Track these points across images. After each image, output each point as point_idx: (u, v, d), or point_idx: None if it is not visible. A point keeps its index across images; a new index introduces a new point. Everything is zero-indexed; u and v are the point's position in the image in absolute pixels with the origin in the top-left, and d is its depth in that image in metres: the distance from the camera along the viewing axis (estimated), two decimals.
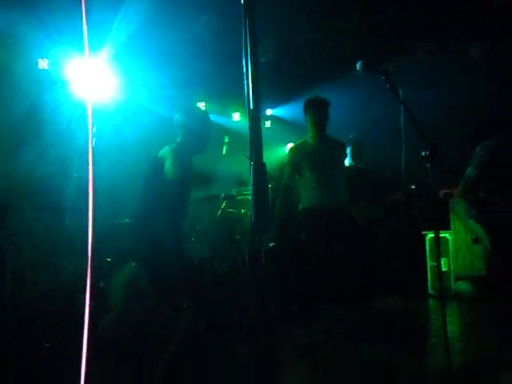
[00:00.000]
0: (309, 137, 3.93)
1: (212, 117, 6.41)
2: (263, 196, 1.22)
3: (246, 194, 4.92)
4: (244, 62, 1.22)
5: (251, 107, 1.22)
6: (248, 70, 1.22)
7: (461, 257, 5.59)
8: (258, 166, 1.20)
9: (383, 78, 2.61)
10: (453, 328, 3.86)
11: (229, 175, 4.20)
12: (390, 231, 5.15)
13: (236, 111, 6.75)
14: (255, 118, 1.19)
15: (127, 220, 3.98)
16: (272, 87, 6.56)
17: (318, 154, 3.79)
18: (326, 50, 5.42)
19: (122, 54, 4.39)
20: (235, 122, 6.71)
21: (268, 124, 7.09)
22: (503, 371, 2.57)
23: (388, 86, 2.62)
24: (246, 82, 1.22)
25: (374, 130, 4.02)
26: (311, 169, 3.78)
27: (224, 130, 5.82)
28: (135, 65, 4.84)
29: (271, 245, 3.24)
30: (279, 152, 7.11)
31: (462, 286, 5.44)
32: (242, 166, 4.75)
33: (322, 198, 3.73)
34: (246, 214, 4.77)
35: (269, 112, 7.10)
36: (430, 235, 5.51)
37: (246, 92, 1.22)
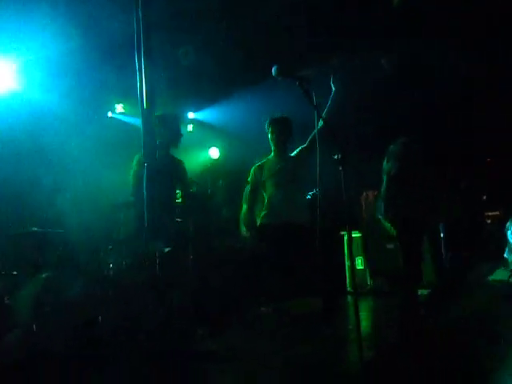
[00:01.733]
0: (271, 155, 3.98)
1: (129, 118, 6.26)
2: (155, 199, 1.19)
3: None
4: (137, 59, 1.18)
5: (144, 106, 1.19)
6: (141, 66, 1.18)
7: (377, 253, 5.93)
8: (151, 168, 1.17)
9: (297, 83, 2.69)
10: (366, 322, 4.07)
11: None
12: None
13: (156, 113, 6.62)
14: (148, 119, 1.16)
15: (35, 228, 3.72)
16: (194, 90, 6.52)
17: (278, 171, 3.84)
18: (247, 55, 5.49)
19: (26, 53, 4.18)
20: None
21: (190, 128, 7.01)
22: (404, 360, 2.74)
23: (302, 91, 2.71)
24: (138, 78, 1.19)
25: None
26: (271, 185, 3.85)
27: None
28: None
29: (167, 250, 3.20)
30: (201, 156, 7.07)
31: (377, 282, 5.77)
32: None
33: (280, 214, 3.79)
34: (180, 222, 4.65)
35: (191, 115, 7.03)
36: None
37: (138, 90, 1.18)
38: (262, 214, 3.91)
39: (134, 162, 3.70)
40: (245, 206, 4.42)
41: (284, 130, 3.90)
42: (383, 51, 4.95)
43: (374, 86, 4.85)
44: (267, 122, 3.95)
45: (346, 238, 5.89)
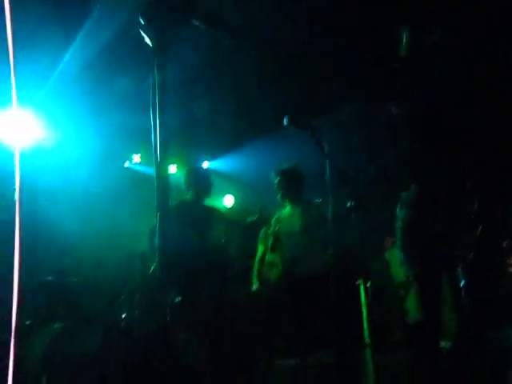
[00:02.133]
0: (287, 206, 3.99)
1: (146, 168, 6.40)
2: (169, 246, 1.20)
3: None
4: (151, 113, 1.23)
5: (158, 158, 1.23)
6: (156, 120, 1.23)
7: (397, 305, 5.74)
8: (165, 216, 1.19)
9: (309, 133, 2.74)
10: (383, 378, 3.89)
11: None
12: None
13: (173, 163, 6.75)
14: (162, 168, 1.20)
15: (50, 277, 3.74)
16: (208, 141, 6.68)
17: (289, 222, 3.84)
18: (260, 104, 5.64)
19: (53, 104, 4.35)
20: (171, 174, 6.69)
21: None
22: None
23: (314, 140, 2.75)
24: (153, 132, 1.23)
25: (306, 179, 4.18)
26: (284, 237, 3.85)
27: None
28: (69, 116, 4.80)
29: (178, 299, 3.17)
30: (217, 203, 7.13)
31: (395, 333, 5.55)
32: None
33: (291, 265, 3.76)
34: None
35: (206, 165, 7.15)
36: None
37: (153, 143, 1.22)
38: (278, 264, 3.87)
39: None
40: (261, 248, 4.34)
41: (290, 181, 3.90)
42: (394, 101, 5.02)
43: (383, 135, 4.90)
44: (275, 173, 3.95)
45: (362, 287, 5.76)
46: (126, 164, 6.38)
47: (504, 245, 5.63)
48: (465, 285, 5.01)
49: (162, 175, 1.17)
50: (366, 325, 5.70)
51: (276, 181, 3.92)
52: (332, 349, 3.64)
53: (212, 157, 7.10)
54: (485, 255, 4.87)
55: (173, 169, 6.73)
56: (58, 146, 5.07)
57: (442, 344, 3.99)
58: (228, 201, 7.22)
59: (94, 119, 5.15)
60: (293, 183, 3.90)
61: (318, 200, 3.95)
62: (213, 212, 4.07)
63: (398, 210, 3.84)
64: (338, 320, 3.58)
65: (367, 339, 5.52)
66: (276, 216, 3.99)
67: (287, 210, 3.95)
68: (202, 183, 3.98)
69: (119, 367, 3.01)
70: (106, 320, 3.62)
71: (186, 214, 3.73)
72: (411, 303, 5.50)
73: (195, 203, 3.87)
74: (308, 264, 3.70)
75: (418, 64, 4.52)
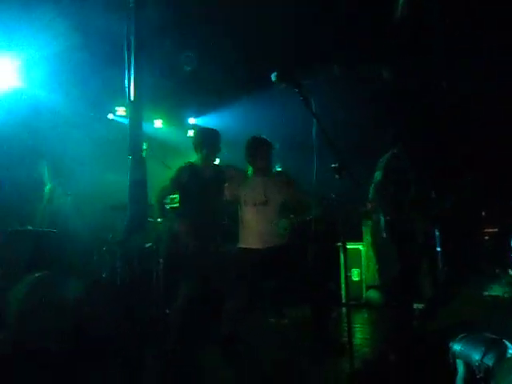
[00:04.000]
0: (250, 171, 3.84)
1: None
2: (139, 194, 1.18)
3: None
4: (126, 56, 1.18)
5: (131, 99, 1.18)
6: (130, 63, 1.18)
7: (372, 267, 5.88)
8: (137, 163, 1.16)
9: (296, 90, 2.69)
10: (359, 334, 4.04)
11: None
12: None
13: (158, 118, 6.63)
14: (136, 113, 1.16)
15: (30, 227, 3.70)
16: (196, 96, 6.55)
17: (252, 189, 3.69)
18: (249, 62, 5.52)
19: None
20: (156, 128, 6.58)
21: (191, 133, 7.02)
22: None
23: (301, 98, 2.70)
24: (126, 75, 1.19)
25: (290, 141, 4.13)
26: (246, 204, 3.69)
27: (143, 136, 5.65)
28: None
29: (148, 245, 3.15)
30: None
31: (372, 295, 5.72)
32: (161, 174, 4.67)
33: (253, 237, 3.65)
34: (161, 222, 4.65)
35: (192, 121, 7.04)
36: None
37: (126, 85, 1.18)
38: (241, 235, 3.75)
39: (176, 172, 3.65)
40: None
41: (267, 152, 3.77)
42: (385, 63, 4.97)
43: (372, 97, 4.87)
44: (247, 143, 3.80)
45: (341, 249, 5.86)
46: (110, 116, 6.23)
47: (483, 214, 5.75)
48: (441, 251, 5.16)
49: (134, 123, 1.14)
50: (343, 285, 5.89)
51: (245, 150, 3.83)
52: (308, 306, 3.73)
53: (198, 113, 6.99)
54: (461, 223, 4.99)
55: (158, 123, 6.62)
56: (40, 94, 4.93)
57: (416, 306, 4.16)
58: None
59: (79, 68, 4.98)
60: (259, 153, 3.79)
61: (278, 167, 3.92)
62: (223, 173, 3.85)
63: (375, 173, 3.90)
64: (315, 280, 3.67)
65: (344, 298, 5.72)
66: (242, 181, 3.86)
67: (250, 178, 3.83)
68: (209, 143, 3.70)
69: (100, 316, 3.05)
70: (87, 270, 3.63)
71: (195, 177, 3.61)
72: (386, 265, 5.65)
73: (204, 165, 3.67)
74: (269, 236, 3.67)
75: (413, 25, 4.44)
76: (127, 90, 1.03)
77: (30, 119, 4.66)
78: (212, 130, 3.91)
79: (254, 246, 3.62)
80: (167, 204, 4.36)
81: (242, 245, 3.68)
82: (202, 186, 3.61)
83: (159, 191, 3.68)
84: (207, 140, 3.73)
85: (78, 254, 3.94)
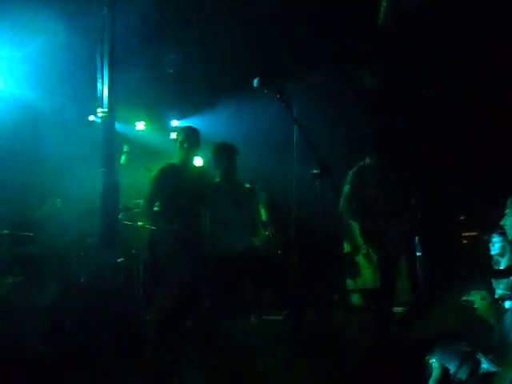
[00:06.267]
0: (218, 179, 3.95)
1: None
2: (112, 208, 1.17)
3: None
4: (99, 64, 1.17)
5: (104, 109, 1.18)
6: (103, 72, 1.17)
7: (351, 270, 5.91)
8: (109, 175, 1.15)
9: (278, 96, 2.70)
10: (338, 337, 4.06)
11: (127, 186, 4.05)
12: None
13: (140, 120, 6.56)
14: (110, 123, 1.15)
15: (6, 231, 3.63)
16: (179, 99, 6.51)
17: (220, 196, 3.80)
18: (233, 66, 5.52)
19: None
20: (138, 131, 6.52)
21: (174, 135, 6.97)
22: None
23: (283, 104, 2.71)
24: (100, 84, 1.18)
25: (269, 146, 4.15)
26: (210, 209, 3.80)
27: (125, 139, 5.59)
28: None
29: (120, 260, 3.14)
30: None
31: (353, 299, 5.75)
32: (142, 177, 4.63)
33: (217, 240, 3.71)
34: (143, 227, 4.60)
35: (175, 123, 6.99)
36: None
37: (100, 94, 1.17)
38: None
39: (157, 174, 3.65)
40: None
41: (233, 158, 3.90)
42: (367, 69, 5.02)
43: (350, 105, 4.91)
44: (214, 148, 3.95)
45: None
46: (91, 118, 6.15)
47: (461, 219, 5.84)
48: (420, 256, 5.23)
49: (109, 128, 1.13)
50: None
51: (210, 155, 3.94)
52: (288, 308, 3.74)
53: (181, 116, 6.94)
54: (440, 228, 5.08)
55: (140, 125, 6.56)
56: (21, 95, 4.85)
57: (396, 309, 4.21)
58: (197, 162, 7.13)
59: (62, 71, 4.92)
60: (225, 158, 3.87)
61: (248, 185, 3.99)
62: (205, 174, 3.91)
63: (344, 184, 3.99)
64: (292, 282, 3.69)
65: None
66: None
67: (218, 182, 3.90)
68: (190, 142, 3.78)
69: (76, 320, 3.00)
70: (63, 275, 3.57)
71: (175, 177, 3.59)
72: (368, 271, 5.71)
73: (185, 165, 3.70)
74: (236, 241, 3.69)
75: (394, 32, 4.50)
76: (101, 96, 1.02)
77: (9, 119, 4.58)
78: (193, 127, 4.00)
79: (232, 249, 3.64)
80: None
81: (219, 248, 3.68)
82: (183, 188, 3.57)
83: (147, 196, 3.64)
84: (190, 136, 3.76)
85: (56, 258, 3.87)
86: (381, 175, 3.88)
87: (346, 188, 3.90)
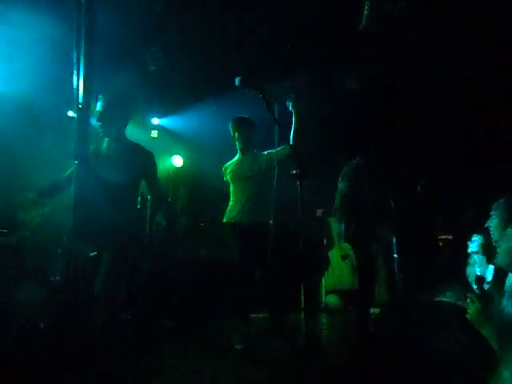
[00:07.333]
0: (237, 155, 4.01)
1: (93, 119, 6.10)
2: (84, 200, 1.15)
3: None
4: (75, 57, 1.15)
5: (80, 102, 1.15)
6: (79, 64, 1.15)
7: (331, 272, 5.97)
8: (82, 167, 1.13)
9: (260, 95, 2.70)
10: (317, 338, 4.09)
11: None
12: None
13: None
14: (83, 115, 1.13)
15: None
16: (160, 97, 6.45)
17: (241, 169, 3.87)
18: (215, 64, 5.49)
19: None
20: None
21: (155, 134, 6.91)
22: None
23: (264, 103, 2.72)
24: (76, 76, 1.16)
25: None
26: (233, 184, 3.89)
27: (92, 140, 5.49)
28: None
29: (93, 254, 3.05)
30: (165, 162, 6.98)
31: (331, 300, 5.80)
32: None
33: (237, 213, 3.79)
34: None
35: (156, 121, 6.93)
36: None
37: (75, 87, 1.15)
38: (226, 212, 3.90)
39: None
40: None
41: (247, 128, 3.94)
42: (346, 71, 5.07)
43: (335, 106, 4.95)
44: (231, 122, 3.98)
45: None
46: (70, 113, 6.04)
47: (438, 221, 5.94)
48: (397, 257, 5.30)
49: (83, 122, 1.10)
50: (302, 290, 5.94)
51: (230, 128, 3.95)
52: (267, 310, 3.75)
53: (162, 114, 6.89)
54: (417, 230, 5.15)
55: None
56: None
57: (373, 310, 4.26)
58: (177, 161, 7.10)
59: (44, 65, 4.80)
60: (244, 130, 3.90)
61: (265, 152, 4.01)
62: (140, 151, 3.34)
63: (338, 182, 4.01)
64: (272, 283, 3.70)
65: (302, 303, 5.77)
66: (226, 165, 4.00)
67: (238, 157, 3.97)
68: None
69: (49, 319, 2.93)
70: (40, 273, 3.50)
71: (96, 155, 3.11)
72: (346, 272, 5.77)
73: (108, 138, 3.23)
74: (255, 212, 3.72)
75: (379, 37, 4.54)
76: (76, 93, 0.99)
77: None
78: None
79: None
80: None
81: None
82: (101, 166, 3.00)
83: None
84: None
85: (33, 256, 3.78)
86: (372, 175, 3.94)
87: (343, 185, 3.93)
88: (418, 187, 5.31)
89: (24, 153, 4.75)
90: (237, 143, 3.97)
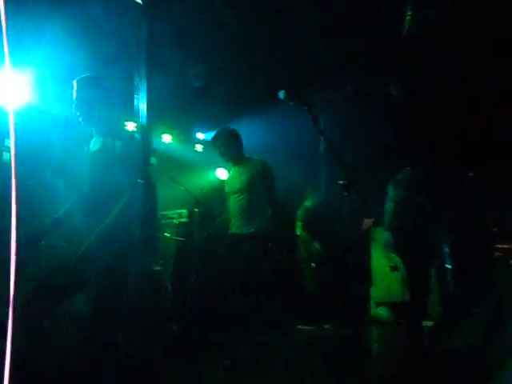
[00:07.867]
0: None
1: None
2: (150, 216, 1.19)
3: (171, 218, 4.84)
4: (137, 77, 1.19)
5: (143, 123, 1.20)
6: (142, 84, 1.19)
7: (380, 283, 5.83)
8: (147, 185, 1.17)
9: (305, 108, 2.71)
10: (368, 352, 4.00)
11: None
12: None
13: (166, 133, 6.66)
14: (146, 135, 1.17)
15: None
16: (204, 111, 6.59)
17: (232, 182, 3.98)
18: (259, 78, 5.57)
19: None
20: (165, 143, 6.61)
21: (199, 148, 7.06)
22: None
23: (310, 116, 2.72)
24: (136, 96, 1.20)
25: (297, 157, 4.17)
26: (227, 198, 4.01)
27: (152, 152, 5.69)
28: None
29: (157, 268, 3.14)
30: (209, 176, 7.08)
31: (381, 312, 5.66)
32: (169, 189, 4.69)
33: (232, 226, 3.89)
34: (170, 238, 4.68)
35: (200, 136, 7.07)
36: None
37: (136, 107, 1.19)
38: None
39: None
40: None
41: (226, 141, 4.02)
42: (390, 77, 4.98)
43: (383, 114, 4.86)
44: (212, 138, 4.11)
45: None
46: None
47: (494, 230, 5.69)
48: (451, 269, 5.10)
49: (146, 142, 1.14)
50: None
51: (215, 147, 4.00)
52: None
53: (206, 128, 7.03)
54: (471, 240, 4.95)
55: (167, 138, 6.64)
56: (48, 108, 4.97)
57: (425, 323, 4.11)
58: (221, 174, 7.18)
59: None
60: (228, 144, 3.98)
61: (259, 158, 4.04)
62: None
63: (390, 190, 3.89)
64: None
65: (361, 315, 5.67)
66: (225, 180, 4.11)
67: (232, 171, 4.03)
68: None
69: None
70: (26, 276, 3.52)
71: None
72: (396, 283, 5.60)
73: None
74: (244, 225, 3.74)
75: (421, 41, 4.44)
76: (139, 116, 1.03)
77: (44, 132, 4.68)
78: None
79: None
80: (175, 219, 4.40)
81: None
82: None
83: None
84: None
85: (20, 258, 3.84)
86: (428, 183, 3.83)
87: (397, 192, 3.85)
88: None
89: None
90: (224, 159, 4.05)
